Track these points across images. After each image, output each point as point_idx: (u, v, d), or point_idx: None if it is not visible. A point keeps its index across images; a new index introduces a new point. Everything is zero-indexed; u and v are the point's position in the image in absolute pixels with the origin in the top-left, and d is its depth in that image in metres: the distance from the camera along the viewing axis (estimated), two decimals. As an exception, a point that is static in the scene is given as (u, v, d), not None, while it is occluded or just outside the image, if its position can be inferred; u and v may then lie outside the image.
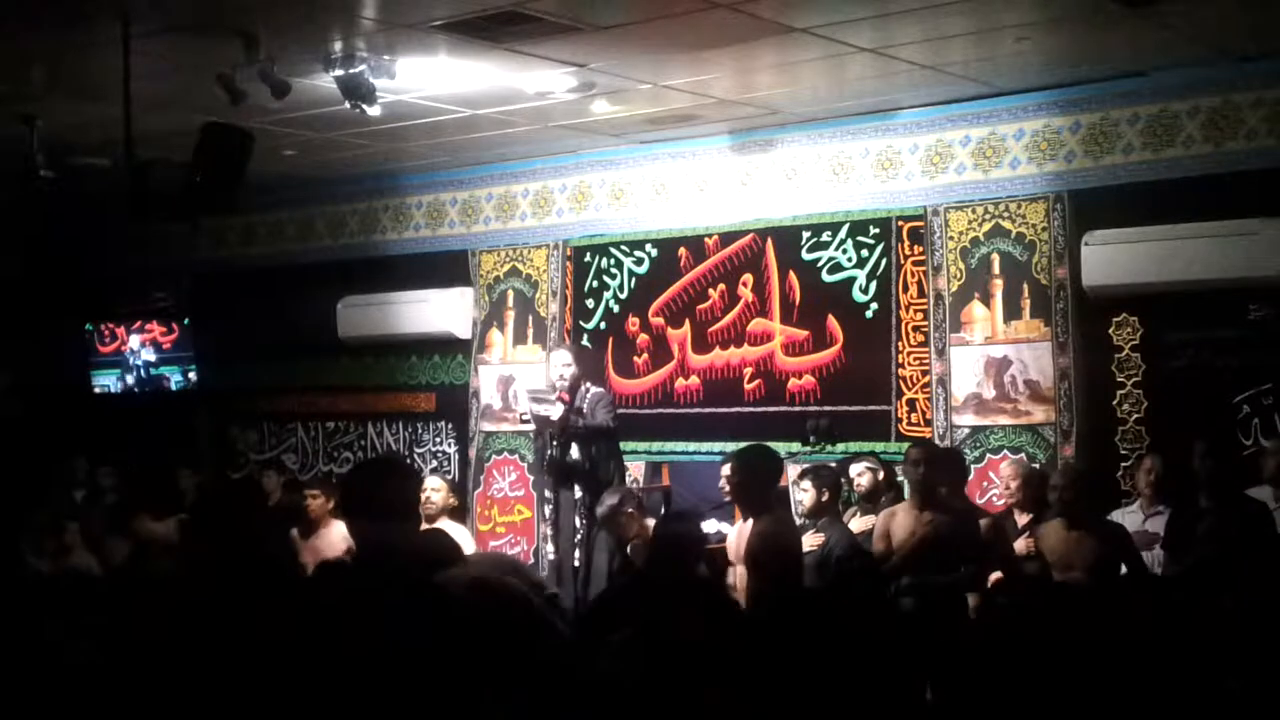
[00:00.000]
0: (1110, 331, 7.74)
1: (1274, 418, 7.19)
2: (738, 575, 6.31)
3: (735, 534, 6.56)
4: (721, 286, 9.12)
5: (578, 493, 7.91)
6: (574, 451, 7.91)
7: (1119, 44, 7.05)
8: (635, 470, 9.01)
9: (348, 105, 7.12)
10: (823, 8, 6.42)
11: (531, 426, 8.47)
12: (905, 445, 7.74)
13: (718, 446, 8.79)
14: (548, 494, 8.21)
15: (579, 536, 7.81)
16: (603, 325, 9.63)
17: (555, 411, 7.85)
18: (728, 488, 6.67)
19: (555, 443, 8.01)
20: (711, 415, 9.07)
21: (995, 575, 6.44)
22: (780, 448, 8.15)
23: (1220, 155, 7.38)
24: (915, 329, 8.34)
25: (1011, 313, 8.03)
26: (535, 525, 9.36)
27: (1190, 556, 6.09)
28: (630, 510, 7.02)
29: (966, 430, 8.09)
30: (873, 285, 8.52)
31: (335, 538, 7.65)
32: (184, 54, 6.91)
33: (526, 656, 3.77)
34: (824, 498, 6.83)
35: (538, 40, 6.81)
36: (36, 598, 4.09)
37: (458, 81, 7.60)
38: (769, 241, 8.93)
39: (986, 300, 8.12)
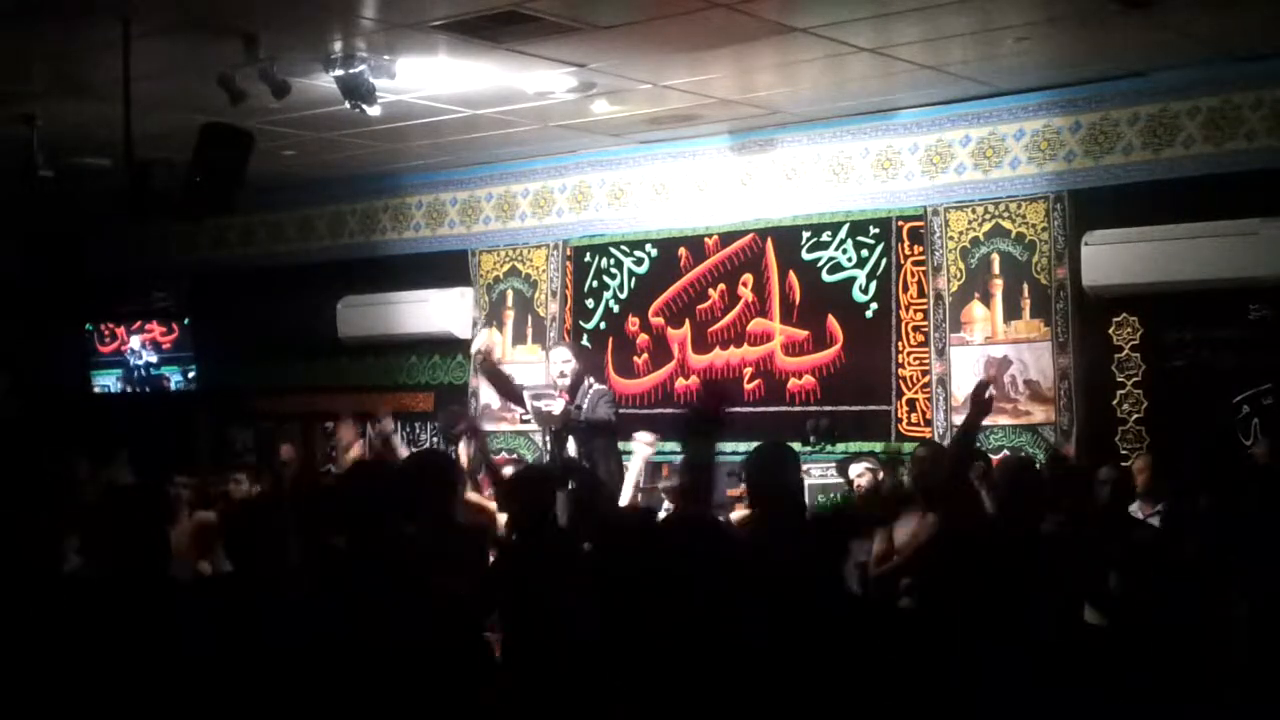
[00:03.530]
0: (1110, 331, 7.75)
1: (1274, 418, 7.19)
2: None
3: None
4: (721, 286, 9.12)
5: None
6: (571, 448, 7.88)
7: (1119, 44, 7.05)
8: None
9: (348, 105, 7.12)
10: (823, 8, 6.42)
11: (532, 425, 8.46)
12: (905, 445, 7.76)
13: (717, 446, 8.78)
14: None
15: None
16: (603, 325, 9.63)
17: (556, 406, 7.83)
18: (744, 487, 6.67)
19: (553, 440, 8.00)
20: (711, 415, 9.06)
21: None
22: (780, 448, 8.18)
23: (1220, 155, 7.38)
24: (915, 329, 8.34)
25: (1011, 313, 8.03)
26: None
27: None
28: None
29: (966, 430, 8.08)
30: (873, 285, 8.52)
31: None
32: (184, 54, 6.91)
33: None
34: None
35: (538, 40, 6.81)
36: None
37: (458, 81, 7.60)
38: (769, 241, 8.93)
39: (986, 300, 8.13)
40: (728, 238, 9.11)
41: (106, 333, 11.64)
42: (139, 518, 3.68)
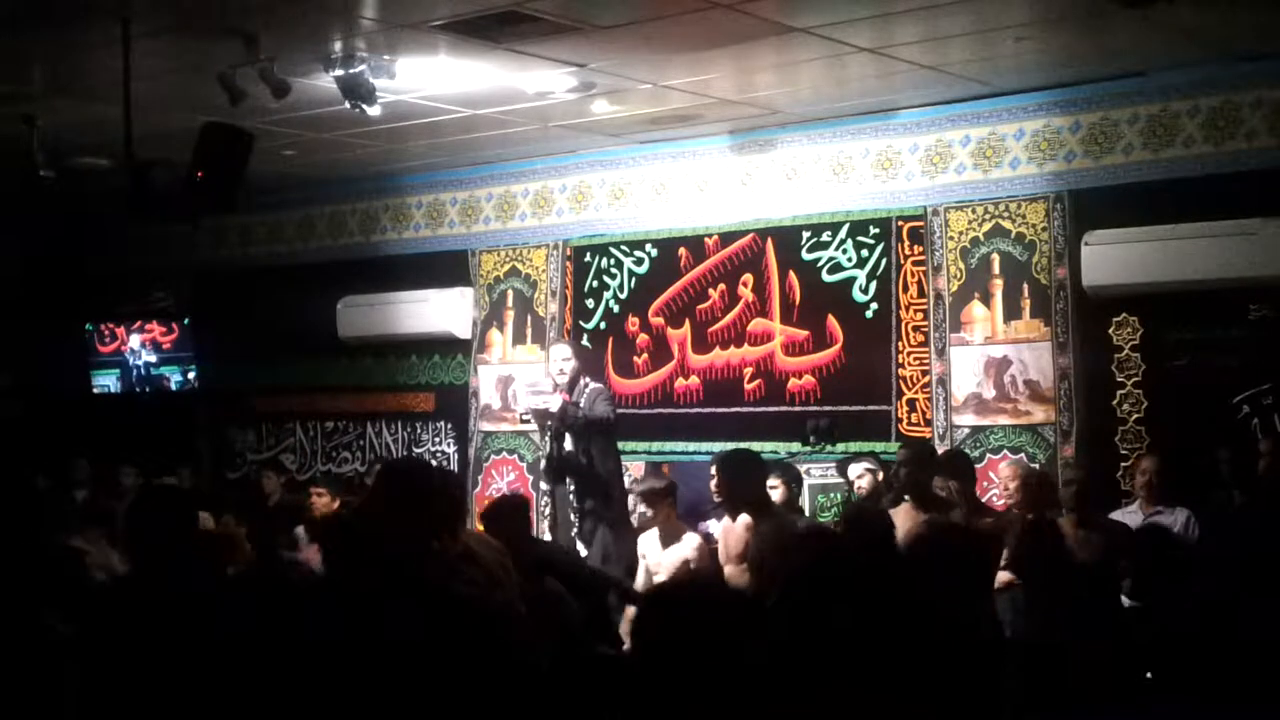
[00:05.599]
0: (1110, 331, 7.75)
1: (1274, 418, 7.19)
2: (728, 576, 6.27)
3: (722, 535, 6.55)
4: (721, 286, 9.12)
5: (573, 490, 7.89)
6: (569, 446, 7.88)
7: (1119, 44, 7.05)
8: (635, 470, 9.00)
9: (348, 105, 7.12)
10: (823, 8, 6.42)
11: (532, 426, 8.45)
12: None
13: (718, 446, 8.78)
14: (544, 487, 8.21)
15: (574, 531, 7.81)
16: (603, 325, 9.63)
17: (553, 403, 7.82)
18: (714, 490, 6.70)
19: (551, 437, 7.99)
20: (711, 415, 9.07)
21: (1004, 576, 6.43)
22: (780, 448, 8.22)
23: (1220, 155, 7.38)
24: (915, 329, 8.34)
25: (1011, 313, 8.03)
26: (534, 524, 9.35)
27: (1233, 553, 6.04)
28: (671, 500, 7.04)
29: (966, 430, 8.09)
30: (873, 285, 8.52)
31: None
32: (184, 54, 6.91)
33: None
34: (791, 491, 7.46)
35: (538, 40, 6.81)
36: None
37: (458, 81, 7.60)
38: (769, 241, 8.93)
39: (986, 300, 8.13)
40: (728, 238, 9.11)
41: (106, 333, 11.64)
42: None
